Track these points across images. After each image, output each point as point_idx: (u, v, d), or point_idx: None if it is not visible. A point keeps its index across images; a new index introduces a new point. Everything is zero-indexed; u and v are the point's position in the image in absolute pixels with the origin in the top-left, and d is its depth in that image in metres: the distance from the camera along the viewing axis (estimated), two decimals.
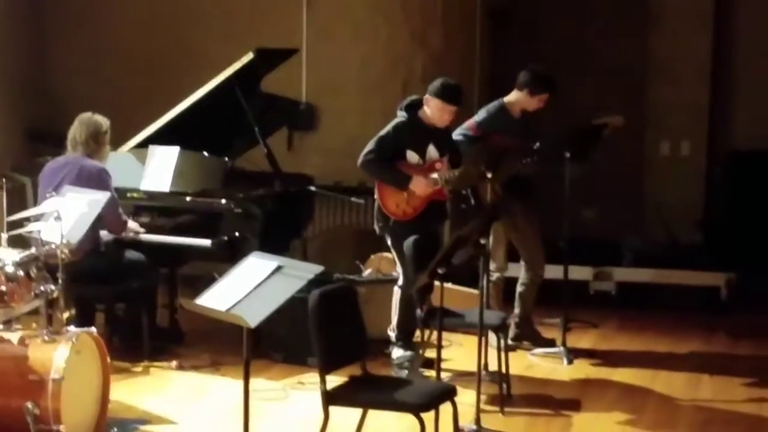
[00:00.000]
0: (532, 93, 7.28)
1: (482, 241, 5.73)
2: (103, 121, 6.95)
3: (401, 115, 6.93)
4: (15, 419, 4.94)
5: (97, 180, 6.63)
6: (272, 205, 7.35)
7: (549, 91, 7.29)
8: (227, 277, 4.38)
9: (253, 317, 4.08)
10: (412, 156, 6.90)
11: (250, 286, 4.23)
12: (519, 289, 7.52)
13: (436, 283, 5.63)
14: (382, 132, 6.89)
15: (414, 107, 6.90)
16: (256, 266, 4.35)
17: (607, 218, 10.63)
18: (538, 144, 6.92)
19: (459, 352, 7.37)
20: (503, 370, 6.38)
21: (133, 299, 7.13)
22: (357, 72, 9.49)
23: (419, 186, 6.80)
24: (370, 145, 6.85)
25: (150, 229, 7.20)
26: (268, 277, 4.26)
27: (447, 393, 4.97)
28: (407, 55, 9.35)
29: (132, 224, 7.12)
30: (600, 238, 9.97)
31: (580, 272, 9.02)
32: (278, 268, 4.28)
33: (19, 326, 5.63)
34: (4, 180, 7.67)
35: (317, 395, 4.77)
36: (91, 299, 6.96)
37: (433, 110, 6.80)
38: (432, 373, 6.49)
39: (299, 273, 4.27)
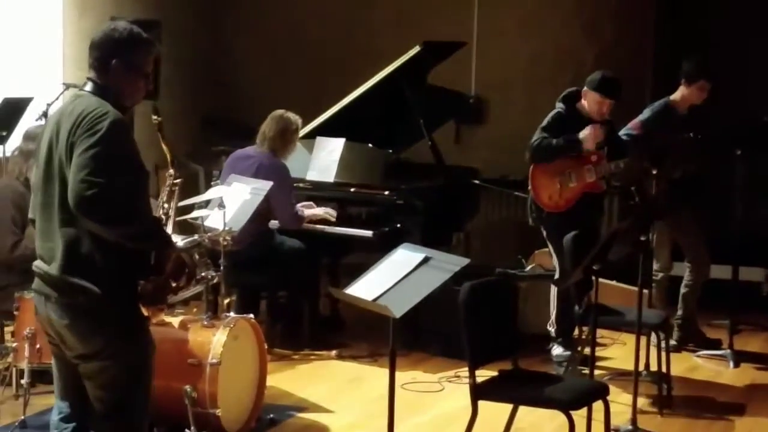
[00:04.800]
0: (688, 83, 7.10)
1: (642, 238, 5.60)
2: (294, 119, 7.05)
3: (559, 107, 6.85)
4: (173, 401, 5.07)
5: (274, 176, 6.55)
6: (435, 197, 7.35)
7: (703, 77, 7.08)
8: (376, 268, 4.40)
9: (398, 308, 4.09)
10: None
11: (397, 277, 4.24)
12: (683, 290, 7.32)
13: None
14: (543, 123, 6.82)
15: (572, 98, 6.81)
16: (404, 258, 4.36)
17: None
18: (699, 137, 6.69)
19: (621, 351, 7.23)
20: (664, 370, 6.22)
21: (294, 287, 7.25)
22: (526, 66, 9.45)
23: (589, 141, 6.64)
24: (536, 135, 6.78)
25: (315, 220, 7.28)
26: (415, 268, 4.26)
27: (598, 391, 4.86)
28: (577, 49, 9.23)
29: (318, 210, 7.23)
30: None
31: (751, 273, 8.68)
32: (425, 260, 4.28)
33: (181, 310, 5.81)
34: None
35: None
36: (253, 286, 7.08)
37: (590, 103, 6.70)
38: None
39: (446, 265, 4.25)
